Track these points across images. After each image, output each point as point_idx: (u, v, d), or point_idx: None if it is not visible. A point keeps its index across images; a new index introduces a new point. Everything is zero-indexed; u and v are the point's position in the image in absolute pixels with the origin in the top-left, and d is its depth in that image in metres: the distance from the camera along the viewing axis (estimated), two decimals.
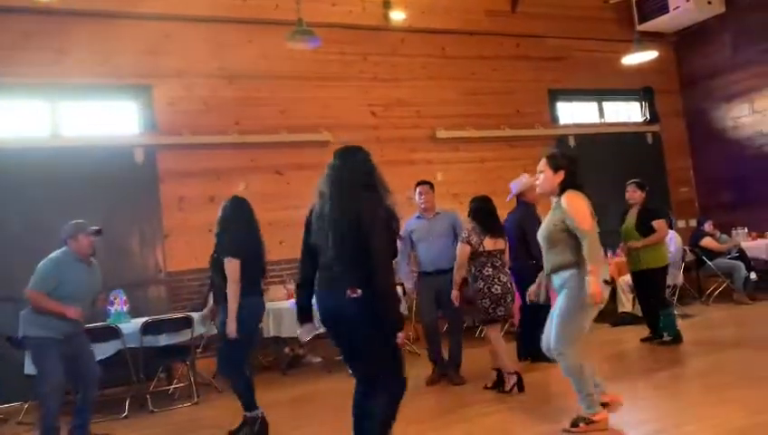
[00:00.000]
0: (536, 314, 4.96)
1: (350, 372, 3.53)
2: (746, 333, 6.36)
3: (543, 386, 5.12)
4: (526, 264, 5.51)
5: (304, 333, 3.56)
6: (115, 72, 7.36)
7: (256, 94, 7.98)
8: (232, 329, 4.30)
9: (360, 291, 3.07)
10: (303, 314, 3.43)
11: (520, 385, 4.94)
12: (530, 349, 5.62)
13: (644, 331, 6.44)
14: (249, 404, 4.42)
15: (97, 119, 7.43)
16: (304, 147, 8.08)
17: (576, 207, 3.73)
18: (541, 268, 4.21)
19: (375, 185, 3.26)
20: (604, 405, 3.90)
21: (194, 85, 7.72)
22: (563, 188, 3.86)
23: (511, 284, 5.15)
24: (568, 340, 3.76)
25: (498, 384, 5.04)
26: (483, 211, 5.23)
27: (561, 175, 3.89)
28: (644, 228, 6.27)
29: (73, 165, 6.87)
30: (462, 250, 5.11)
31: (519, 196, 6.01)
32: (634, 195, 6.45)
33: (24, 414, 5.74)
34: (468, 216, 5.33)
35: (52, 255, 4.50)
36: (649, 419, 3.99)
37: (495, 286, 5.03)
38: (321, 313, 3.29)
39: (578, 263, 3.72)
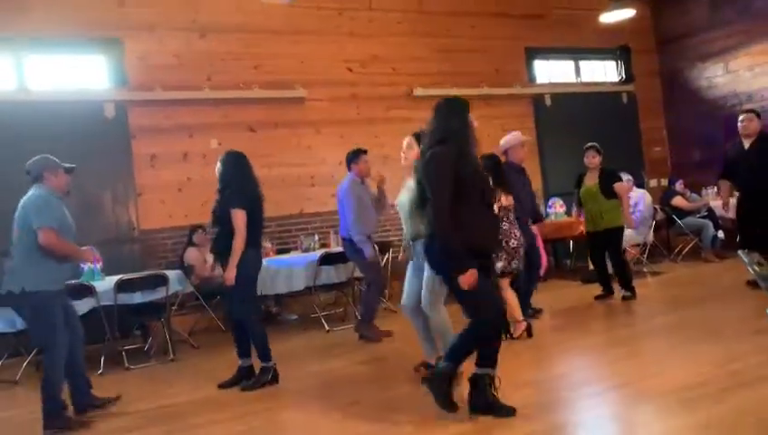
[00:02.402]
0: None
1: None
2: (712, 290, 6.53)
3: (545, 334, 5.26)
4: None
5: None
6: (83, 24, 7.13)
7: (230, 49, 7.82)
8: (231, 276, 4.43)
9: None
10: None
11: (529, 331, 5.24)
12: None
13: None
14: (263, 353, 4.56)
15: (65, 73, 7.23)
16: (279, 103, 7.97)
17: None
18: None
19: (449, 138, 3.40)
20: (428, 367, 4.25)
21: (165, 39, 7.53)
22: None
23: (521, 238, 5.27)
24: (435, 299, 4.11)
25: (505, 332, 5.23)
26: (496, 168, 5.23)
27: None
28: (609, 190, 6.46)
29: (41, 120, 6.71)
30: None
31: (505, 154, 6.00)
32: (594, 160, 6.60)
33: None
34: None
35: (36, 192, 4.04)
36: (614, 373, 4.11)
37: (512, 240, 5.16)
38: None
39: None
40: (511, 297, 5.26)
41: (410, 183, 4.16)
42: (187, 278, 6.33)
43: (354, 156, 5.96)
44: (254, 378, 4.56)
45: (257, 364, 4.63)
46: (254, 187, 4.69)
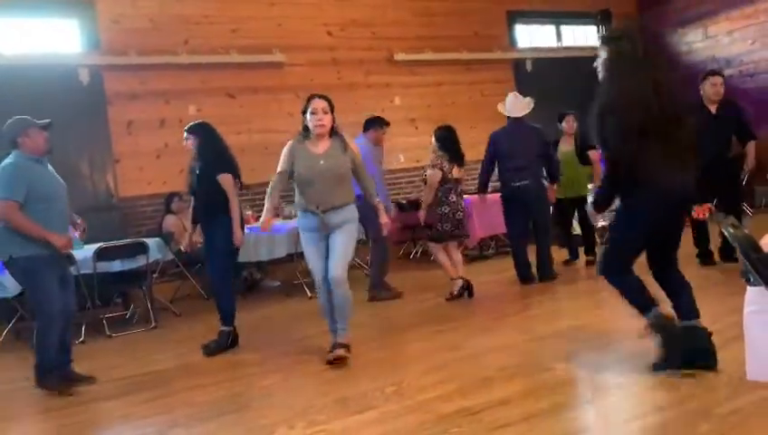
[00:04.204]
0: (524, 239, 5.88)
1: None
2: (691, 252, 6.63)
3: (499, 301, 5.33)
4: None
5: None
6: None
7: (206, 12, 7.66)
8: (239, 236, 4.57)
9: None
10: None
11: (462, 293, 5.49)
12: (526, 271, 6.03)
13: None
14: (228, 319, 4.66)
15: (37, 37, 7.04)
16: (257, 68, 7.86)
17: (358, 150, 4.17)
18: None
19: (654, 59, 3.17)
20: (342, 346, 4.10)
21: (139, 1, 7.36)
22: (331, 132, 4.04)
23: (465, 209, 5.62)
24: (347, 269, 4.03)
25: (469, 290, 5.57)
26: (450, 141, 5.53)
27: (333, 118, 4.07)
28: (583, 156, 6.62)
29: (14, 85, 6.55)
30: (435, 175, 5.43)
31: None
32: (574, 125, 6.71)
33: None
34: (436, 143, 5.55)
35: (8, 160, 3.88)
36: (596, 335, 4.19)
37: (458, 213, 5.50)
38: (675, 196, 3.15)
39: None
40: (444, 260, 5.54)
41: (333, 148, 3.98)
42: (167, 246, 6.30)
43: (377, 123, 6.06)
44: (213, 341, 4.64)
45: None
46: (232, 156, 4.76)
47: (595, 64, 3.39)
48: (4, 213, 3.80)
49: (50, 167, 4.11)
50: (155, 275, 6.37)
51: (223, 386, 3.88)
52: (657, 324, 3.17)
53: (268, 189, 4.08)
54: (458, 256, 5.66)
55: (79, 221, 4.33)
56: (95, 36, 7.17)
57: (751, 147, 5.70)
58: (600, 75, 3.33)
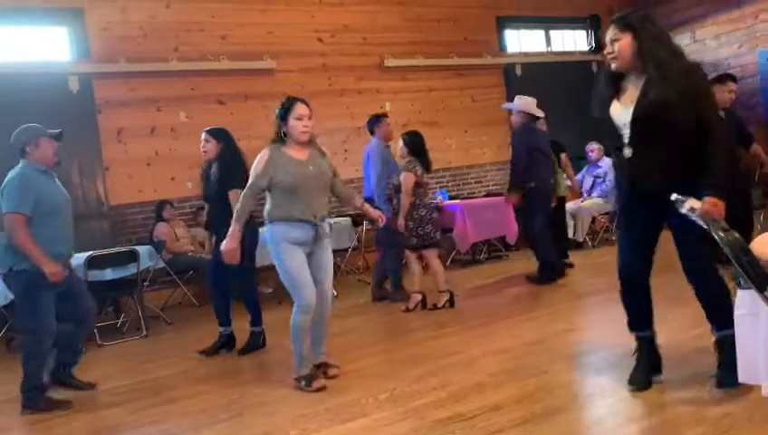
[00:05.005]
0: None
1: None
2: (675, 258, 6.67)
3: (496, 307, 5.34)
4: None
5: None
6: None
7: (196, 18, 7.64)
8: (229, 248, 4.45)
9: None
10: None
11: (451, 301, 5.47)
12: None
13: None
14: (257, 319, 4.85)
15: (26, 45, 7.00)
16: (248, 75, 7.84)
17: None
18: None
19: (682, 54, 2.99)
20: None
21: (129, 8, 7.33)
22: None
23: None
24: None
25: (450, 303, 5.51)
26: (421, 146, 5.53)
27: None
28: (558, 160, 6.85)
29: (3, 94, 6.51)
30: (409, 178, 5.38)
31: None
32: (545, 129, 6.76)
33: None
34: (406, 147, 5.53)
35: (16, 171, 3.77)
36: (586, 338, 4.20)
37: (435, 213, 5.58)
38: None
39: None
40: (439, 267, 5.52)
41: (315, 156, 3.80)
42: (158, 254, 6.28)
43: (377, 120, 6.17)
44: (247, 343, 4.80)
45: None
46: (244, 163, 4.76)
47: (610, 50, 3.18)
48: (11, 226, 3.69)
49: (56, 180, 4.02)
50: (146, 284, 6.34)
51: (216, 394, 3.86)
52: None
53: (239, 207, 3.79)
54: (440, 267, 5.55)
55: None
56: (85, 44, 7.14)
57: (757, 148, 5.50)
58: (645, 53, 3.06)
